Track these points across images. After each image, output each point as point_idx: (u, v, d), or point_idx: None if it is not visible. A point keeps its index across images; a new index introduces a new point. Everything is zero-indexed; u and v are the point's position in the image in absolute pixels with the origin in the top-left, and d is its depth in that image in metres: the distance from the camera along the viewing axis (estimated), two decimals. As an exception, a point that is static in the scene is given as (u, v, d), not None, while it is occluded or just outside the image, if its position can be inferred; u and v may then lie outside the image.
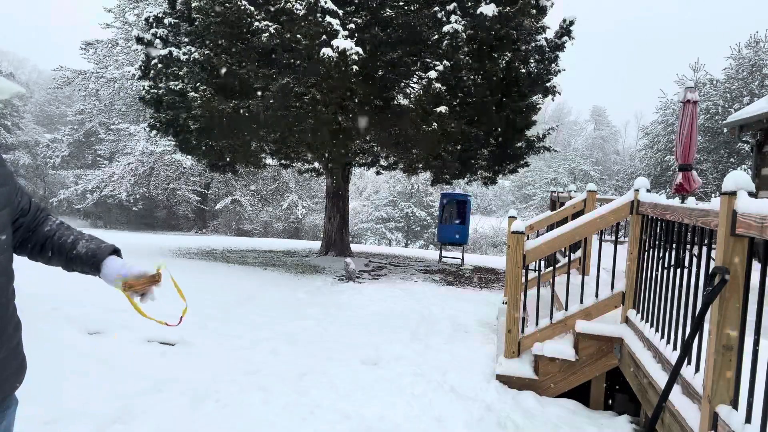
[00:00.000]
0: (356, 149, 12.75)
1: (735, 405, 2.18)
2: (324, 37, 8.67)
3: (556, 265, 5.32)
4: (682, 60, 29.44)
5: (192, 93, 9.68)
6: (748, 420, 2.05)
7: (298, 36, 8.92)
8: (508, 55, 10.12)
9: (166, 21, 11.37)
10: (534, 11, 10.54)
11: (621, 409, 4.02)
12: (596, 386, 4.10)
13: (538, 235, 5.56)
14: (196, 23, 10.15)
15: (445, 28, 9.08)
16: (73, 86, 30.29)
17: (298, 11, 8.65)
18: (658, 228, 3.50)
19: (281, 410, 3.51)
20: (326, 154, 11.41)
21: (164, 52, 10.60)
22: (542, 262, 6.92)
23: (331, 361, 4.66)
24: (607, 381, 4.10)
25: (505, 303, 4.81)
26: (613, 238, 4.76)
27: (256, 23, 8.87)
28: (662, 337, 3.14)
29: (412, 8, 9.64)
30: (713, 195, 20.65)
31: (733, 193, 2.17)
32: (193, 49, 10.51)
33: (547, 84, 11.94)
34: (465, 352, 5.16)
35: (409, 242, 33.35)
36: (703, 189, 22.64)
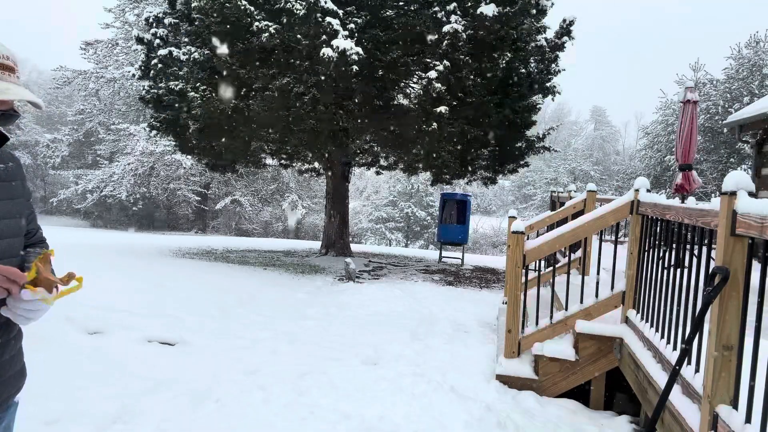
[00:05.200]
0: (356, 149, 12.76)
1: (735, 405, 2.18)
2: (324, 37, 8.67)
3: (556, 265, 5.32)
4: (682, 60, 29.40)
5: (192, 93, 9.68)
6: (748, 420, 2.05)
7: (298, 36, 8.92)
8: (508, 55, 10.12)
9: (166, 21, 11.37)
10: (534, 11, 10.54)
11: (621, 409, 4.02)
12: (596, 386, 4.10)
13: (538, 235, 5.56)
14: (196, 23, 10.16)
15: (445, 28, 9.07)
16: (73, 86, 30.27)
17: (298, 11, 8.65)
18: (658, 228, 3.50)
19: (281, 410, 3.51)
20: (326, 154, 11.41)
21: (164, 52, 10.60)
22: (542, 262, 6.92)
23: (331, 361, 4.66)
24: (607, 381, 4.10)
25: (505, 303, 4.81)
26: (613, 238, 4.76)
27: (256, 23, 8.87)
28: (662, 337, 3.14)
29: (412, 8, 9.64)
30: (713, 195, 20.64)
31: (733, 193, 2.17)
32: (193, 49, 10.51)
33: (547, 84, 11.94)
34: (465, 352, 5.16)
35: (409, 242, 33.32)
36: (703, 189, 22.62)
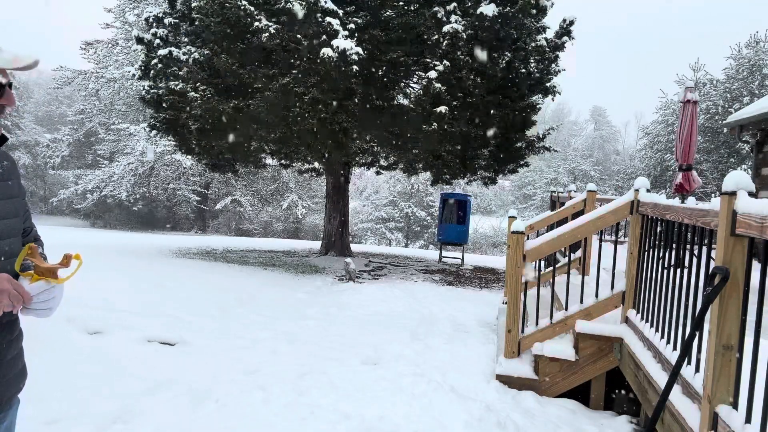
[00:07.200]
0: (356, 149, 12.74)
1: (735, 405, 2.18)
2: (324, 37, 8.67)
3: (556, 265, 5.32)
4: (682, 60, 29.41)
5: (192, 93, 9.68)
6: (748, 420, 2.05)
7: (298, 36, 8.92)
8: (508, 55, 10.12)
9: (166, 21, 11.37)
10: (534, 11, 10.52)
11: (621, 409, 4.02)
12: (596, 386, 4.10)
13: (538, 235, 5.56)
14: (196, 23, 10.15)
15: (445, 28, 9.07)
16: (73, 86, 30.28)
17: (298, 11, 8.65)
18: (658, 228, 3.50)
19: (281, 410, 3.51)
20: (326, 154, 11.40)
21: (164, 52, 10.60)
22: (542, 262, 6.91)
23: (331, 361, 4.66)
24: (607, 381, 4.10)
25: (505, 303, 4.81)
26: (613, 238, 4.76)
27: (256, 23, 8.86)
28: (662, 337, 3.14)
29: (412, 8, 9.63)
30: (713, 195, 20.64)
31: (733, 193, 2.17)
32: (193, 49, 10.50)
33: (547, 84, 11.92)
34: (465, 352, 5.16)
35: (409, 242, 33.32)
36: (703, 189, 22.64)
